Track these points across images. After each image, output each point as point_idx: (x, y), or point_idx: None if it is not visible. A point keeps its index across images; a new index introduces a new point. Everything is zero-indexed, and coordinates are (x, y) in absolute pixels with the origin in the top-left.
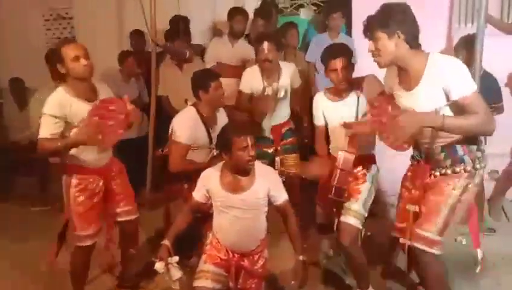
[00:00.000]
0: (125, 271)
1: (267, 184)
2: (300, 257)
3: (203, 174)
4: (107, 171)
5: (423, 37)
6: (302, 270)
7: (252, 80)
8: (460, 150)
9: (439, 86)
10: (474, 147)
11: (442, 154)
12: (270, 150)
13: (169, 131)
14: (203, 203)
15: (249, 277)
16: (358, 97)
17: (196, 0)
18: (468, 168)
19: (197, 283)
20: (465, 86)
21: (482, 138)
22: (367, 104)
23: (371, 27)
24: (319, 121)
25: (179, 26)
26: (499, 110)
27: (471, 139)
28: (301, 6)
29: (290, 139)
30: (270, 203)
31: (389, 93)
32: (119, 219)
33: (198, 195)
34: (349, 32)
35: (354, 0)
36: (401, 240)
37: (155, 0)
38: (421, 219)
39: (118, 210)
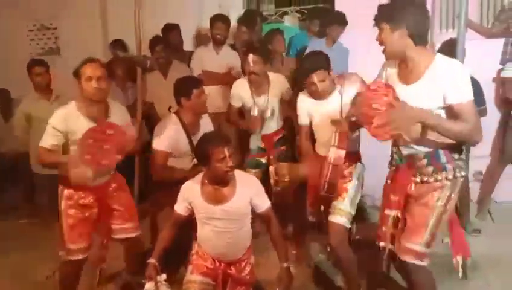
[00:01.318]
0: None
1: (248, 193)
2: (285, 264)
3: (184, 187)
4: (101, 189)
5: None
6: (286, 277)
7: (241, 93)
8: (443, 157)
9: (438, 87)
10: (456, 156)
11: (425, 161)
12: (264, 159)
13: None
14: (186, 217)
15: (236, 284)
16: (341, 95)
17: (181, 8)
18: (450, 176)
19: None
20: (463, 93)
21: (464, 146)
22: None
23: (378, 17)
24: (303, 121)
25: (168, 33)
26: (482, 113)
27: (455, 147)
28: (285, 13)
29: (282, 148)
30: (253, 211)
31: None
32: (118, 236)
33: (180, 208)
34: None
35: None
36: (381, 244)
37: (139, 10)
38: (408, 232)
39: (115, 227)
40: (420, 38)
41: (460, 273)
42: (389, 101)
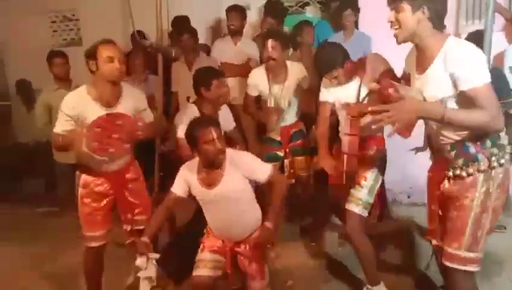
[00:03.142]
0: None
1: (238, 172)
2: (268, 223)
3: (183, 169)
4: (119, 177)
5: None
6: (266, 234)
7: (258, 81)
8: (472, 147)
9: (448, 72)
10: (489, 143)
11: (453, 153)
12: (280, 153)
13: None
14: (184, 199)
15: (248, 261)
16: (360, 83)
17: (200, 0)
18: (483, 167)
19: (195, 272)
20: (476, 77)
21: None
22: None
23: None
24: (324, 98)
25: (182, 26)
26: (508, 106)
27: (483, 134)
28: (307, 4)
29: (298, 142)
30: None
31: (408, 73)
32: (136, 227)
33: (178, 190)
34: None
35: None
36: (433, 242)
37: (161, 1)
38: (448, 236)
39: (135, 217)
40: (439, 21)
41: None
42: (393, 97)
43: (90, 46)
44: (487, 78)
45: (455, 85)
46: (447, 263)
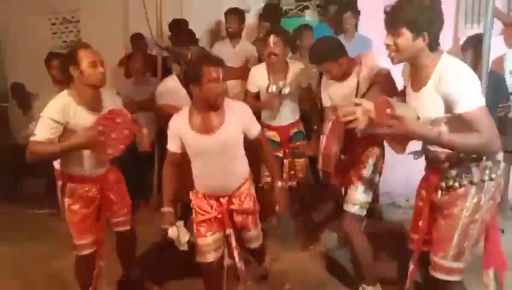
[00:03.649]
0: (128, 279)
1: (239, 120)
2: (279, 183)
3: (172, 122)
4: (103, 179)
5: None
6: (283, 195)
7: (258, 78)
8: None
9: (441, 94)
10: (483, 157)
11: (447, 163)
12: (280, 154)
13: None
14: (181, 155)
15: (243, 216)
16: (358, 77)
17: (202, 2)
18: (475, 179)
19: (203, 259)
20: (470, 100)
21: None
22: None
23: (397, 22)
24: (324, 102)
25: (180, 29)
26: (508, 109)
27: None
28: (306, 7)
29: (298, 143)
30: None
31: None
32: (117, 229)
33: (172, 146)
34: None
35: None
36: (411, 247)
37: (161, 3)
38: (435, 246)
39: (115, 220)
40: (436, 41)
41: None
42: (388, 116)
43: (66, 51)
44: (482, 101)
45: (449, 107)
46: (433, 273)
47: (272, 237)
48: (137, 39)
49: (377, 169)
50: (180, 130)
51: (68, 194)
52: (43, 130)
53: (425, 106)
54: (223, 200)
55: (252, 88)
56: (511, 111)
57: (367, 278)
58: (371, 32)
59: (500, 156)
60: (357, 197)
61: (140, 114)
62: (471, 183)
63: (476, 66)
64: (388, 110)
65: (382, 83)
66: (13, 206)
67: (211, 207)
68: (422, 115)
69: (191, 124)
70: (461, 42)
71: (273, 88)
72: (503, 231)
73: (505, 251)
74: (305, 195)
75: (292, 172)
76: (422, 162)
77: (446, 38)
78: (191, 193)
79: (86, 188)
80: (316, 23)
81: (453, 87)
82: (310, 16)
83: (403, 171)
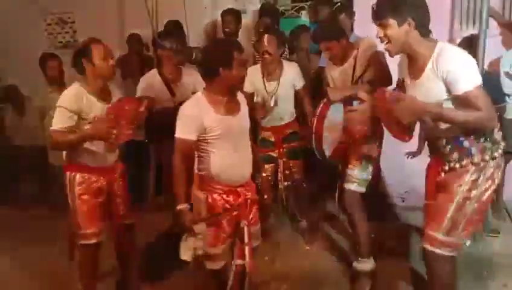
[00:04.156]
0: (125, 275)
1: (245, 103)
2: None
3: (187, 107)
4: (111, 172)
5: None
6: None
7: (253, 78)
8: (466, 141)
9: (441, 76)
10: (482, 137)
11: (448, 148)
12: (274, 154)
13: None
14: (194, 142)
15: (253, 205)
16: (355, 60)
17: (197, 3)
18: (476, 160)
19: (214, 266)
20: (468, 81)
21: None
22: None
23: (381, 12)
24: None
25: (171, 29)
26: (502, 110)
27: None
28: (302, 8)
29: (293, 144)
30: None
31: (402, 80)
32: (120, 222)
33: (187, 132)
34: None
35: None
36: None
37: (157, 4)
38: (429, 218)
39: (119, 213)
40: (425, 28)
41: None
42: (389, 100)
43: (80, 44)
44: (478, 80)
45: (448, 89)
46: (424, 245)
47: (268, 238)
48: (133, 40)
49: (375, 150)
50: (202, 113)
51: (78, 183)
52: (60, 119)
53: (426, 91)
54: (240, 190)
55: (247, 88)
56: (507, 112)
57: (363, 250)
58: (368, 32)
59: (499, 135)
60: (355, 175)
61: None
62: (472, 164)
63: None
64: (388, 94)
65: (375, 64)
66: (6, 208)
67: (229, 204)
68: (424, 100)
69: (215, 108)
70: (456, 43)
71: (258, 99)
72: (498, 232)
73: (501, 252)
74: (301, 195)
75: (287, 172)
76: (417, 162)
77: (441, 39)
78: (199, 197)
79: (94, 179)
80: (311, 24)
81: (451, 66)
82: (306, 17)
83: (398, 172)
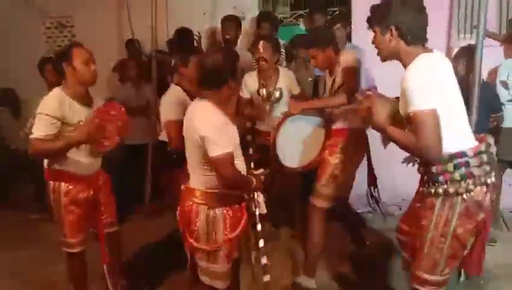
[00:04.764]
0: (113, 282)
1: None
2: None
3: (219, 120)
4: (95, 180)
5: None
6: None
7: (249, 84)
8: (434, 167)
9: (401, 88)
10: (451, 167)
11: (421, 169)
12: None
13: None
14: None
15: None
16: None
17: (196, 10)
18: (440, 191)
19: (222, 286)
20: (418, 102)
21: (469, 149)
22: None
23: (369, 20)
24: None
25: (182, 37)
26: (499, 120)
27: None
28: (301, 16)
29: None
30: None
31: None
32: (104, 231)
33: (230, 145)
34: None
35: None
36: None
37: (156, 11)
38: (412, 255)
39: (103, 221)
40: (413, 36)
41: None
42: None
43: (60, 48)
44: (429, 105)
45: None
46: (412, 283)
47: None
48: (131, 45)
49: (343, 166)
50: (227, 124)
51: (64, 194)
52: (42, 127)
53: (400, 104)
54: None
55: (245, 94)
56: (503, 121)
57: (308, 269)
58: (366, 40)
59: (481, 171)
60: (320, 191)
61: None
62: (436, 193)
63: (468, 76)
64: (360, 98)
65: (344, 77)
66: (3, 211)
67: (244, 210)
68: (400, 111)
69: (230, 119)
70: (454, 52)
71: (262, 92)
72: (495, 241)
73: (498, 261)
74: (292, 202)
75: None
76: (413, 170)
77: (438, 48)
78: (221, 212)
79: (80, 188)
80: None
81: (406, 85)
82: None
83: (394, 181)
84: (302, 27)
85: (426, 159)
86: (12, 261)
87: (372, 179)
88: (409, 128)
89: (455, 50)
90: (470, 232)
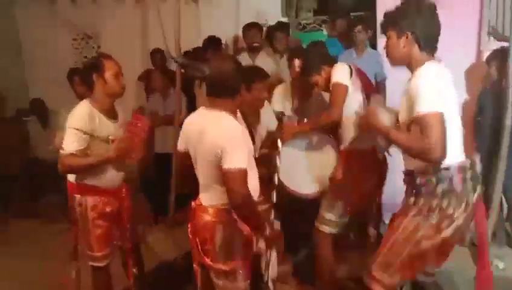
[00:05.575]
0: None
1: None
2: None
3: (240, 133)
4: (120, 193)
5: (453, 50)
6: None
7: (282, 98)
8: (418, 178)
9: (409, 91)
10: (434, 180)
11: (406, 179)
12: None
13: None
14: None
15: None
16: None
17: (218, 18)
18: (420, 201)
19: None
20: (425, 103)
21: (455, 164)
22: None
23: (384, 24)
24: None
25: (210, 45)
26: None
27: (432, 170)
28: (324, 22)
29: None
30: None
31: None
32: (124, 244)
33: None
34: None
35: (378, 12)
36: None
37: (179, 19)
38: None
39: (123, 234)
40: (426, 42)
41: None
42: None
43: (89, 60)
44: (437, 108)
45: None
46: (364, 275)
47: None
48: (156, 55)
49: (346, 189)
50: (244, 133)
51: (91, 208)
52: (74, 142)
53: (403, 105)
54: None
55: (276, 107)
56: None
57: None
58: None
59: (461, 188)
60: (327, 217)
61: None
62: (415, 205)
63: (501, 79)
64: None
65: (333, 84)
66: (31, 221)
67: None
68: (401, 115)
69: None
70: (485, 56)
71: (286, 120)
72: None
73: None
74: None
75: None
76: None
77: (469, 51)
78: (239, 229)
79: (107, 201)
80: (326, 38)
81: (416, 86)
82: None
83: (393, 188)
84: (325, 32)
85: (429, 160)
86: (39, 269)
87: (377, 216)
88: (413, 130)
89: (486, 53)
90: (434, 247)
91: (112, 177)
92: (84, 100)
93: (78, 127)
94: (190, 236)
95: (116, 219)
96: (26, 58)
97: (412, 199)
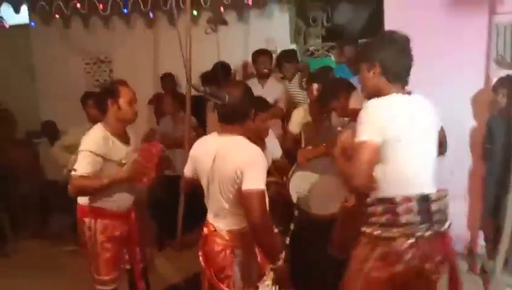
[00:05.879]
0: None
1: None
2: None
3: (262, 155)
4: (129, 216)
5: (462, 76)
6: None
7: (301, 121)
8: (369, 208)
9: None
10: (380, 210)
11: (361, 209)
12: None
13: None
14: None
15: None
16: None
17: (229, 44)
18: (368, 231)
19: None
20: (358, 132)
21: (400, 196)
22: None
23: (357, 57)
24: None
25: (219, 71)
26: None
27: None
28: (333, 48)
29: None
30: None
31: None
32: (132, 267)
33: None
34: None
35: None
36: None
37: (190, 44)
38: None
39: (132, 257)
40: (395, 75)
41: None
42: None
43: (105, 84)
44: (365, 136)
45: None
46: None
47: None
48: (167, 79)
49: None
50: (263, 155)
51: (101, 231)
52: (87, 165)
53: None
54: None
55: (294, 129)
56: None
57: None
58: None
59: (406, 220)
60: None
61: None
62: (365, 234)
63: (509, 106)
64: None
65: (351, 110)
66: (41, 243)
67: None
68: None
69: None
70: (492, 82)
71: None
72: None
73: None
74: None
75: None
76: None
77: (476, 78)
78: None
79: (116, 224)
80: (335, 65)
81: (359, 116)
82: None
83: None
84: (333, 59)
85: (350, 188)
86: None
87: None
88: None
89: (494, 80)
90: (385, 281)
91: (121, 200)
92: (98, 124)
93: (93, 149)
94: (202, 264)
95: (125, 242)
96: (39, 81)
97: (364, 228)
